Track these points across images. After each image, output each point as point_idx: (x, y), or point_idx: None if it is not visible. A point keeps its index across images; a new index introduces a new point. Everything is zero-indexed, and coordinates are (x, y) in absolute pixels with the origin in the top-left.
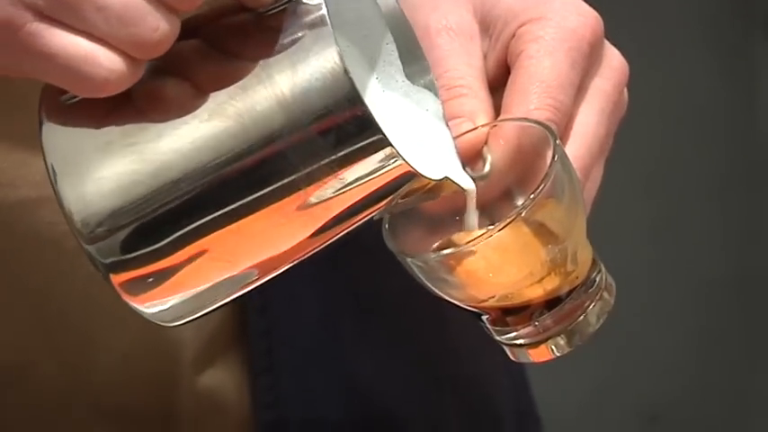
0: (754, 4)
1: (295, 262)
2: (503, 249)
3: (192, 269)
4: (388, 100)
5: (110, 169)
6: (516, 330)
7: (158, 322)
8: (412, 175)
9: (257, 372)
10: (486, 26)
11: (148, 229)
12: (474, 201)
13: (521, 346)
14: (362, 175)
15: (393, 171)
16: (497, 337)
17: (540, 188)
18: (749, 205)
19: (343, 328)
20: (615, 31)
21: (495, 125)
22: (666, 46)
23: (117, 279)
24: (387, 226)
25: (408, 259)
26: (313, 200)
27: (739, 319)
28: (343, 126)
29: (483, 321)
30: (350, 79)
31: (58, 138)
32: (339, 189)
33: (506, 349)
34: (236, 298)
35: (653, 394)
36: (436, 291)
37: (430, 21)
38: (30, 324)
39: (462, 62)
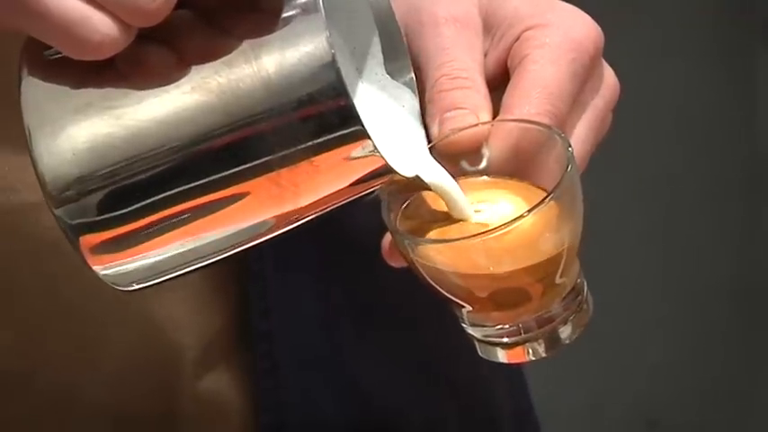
0: (753, 8)
1: (261, 241)
2: (508, 243)
3: (158, 238)
4: (367, 91)
5: (86, 131)
6: (496, 328)
7: (114, 286)
8: (385, 169)
9: (258, 375)
10: (490, 25)
11: (120, 194)
12: (456, 194)
13: (495, 344)
14: (337, 163)
15: (367, 163)
16: (472, 331)
17: (555, 192)
18: (749, 210)
19: (344, 331)
20: (616, 34)
21: (495, 123)
22: (667, 51)
23: (84, 242)
24: (386, 205)
25: (406, 241)
26: (285, 183)
27: (739, 324)
28: (324, 114)
29: (460, 312)
30: (337, 69)
31: (38, 95)
32: (312, 175)
33: (477, 345)
34: (197, 270)
35: (652, 399)
36: (425, 275)
37: (438, 9)
38: (30, 327)
39: (467, 55)
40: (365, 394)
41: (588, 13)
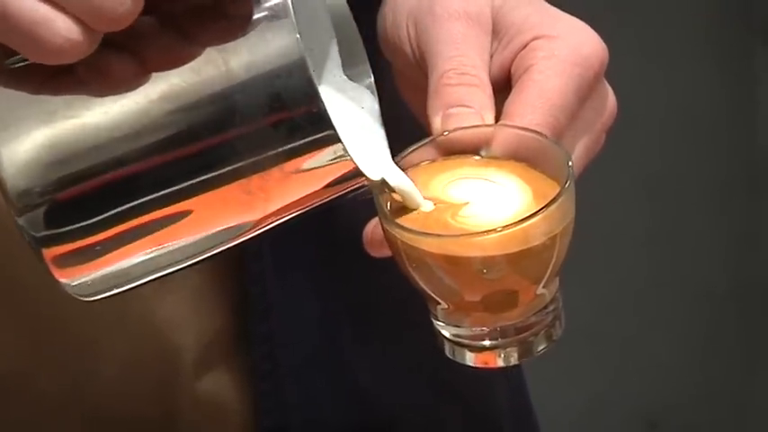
0: (753, 10)
1: (229, 246)
2: (502, 248)
3: (124, 247)
4: (327, 94)
5: (50, 140)
6: (471, 329)
7: (77, 296)
8: (354, 173)
9: (258, 377)
10: (499, 28)
11: (83, 204)
12: (416, 196)
13: (464, 345)
14: (308, 168)
15: (337, 168)
16: (442, 330)
17: (552, 203)
18: (749, 212)
19: (343, 332)
20: (616, 35)
21: (496, 127)
22: (666, 52)
23: (48, 253)
24: (379, 197)
25: (397, 230)
26: (254, 189)
27: (739, 326)
28: (296, 119)
29: (434, 309)
30: (309, 75)
31: (1, 102)
32: (282, 181)
33: (445, 344)
34: (166, 275)
35: (652, 401)
36: (410, 270)
37: (453, 3)
38: (29, 331)
39: (476, 53)
40: (365, 395)
41: (589, 13)
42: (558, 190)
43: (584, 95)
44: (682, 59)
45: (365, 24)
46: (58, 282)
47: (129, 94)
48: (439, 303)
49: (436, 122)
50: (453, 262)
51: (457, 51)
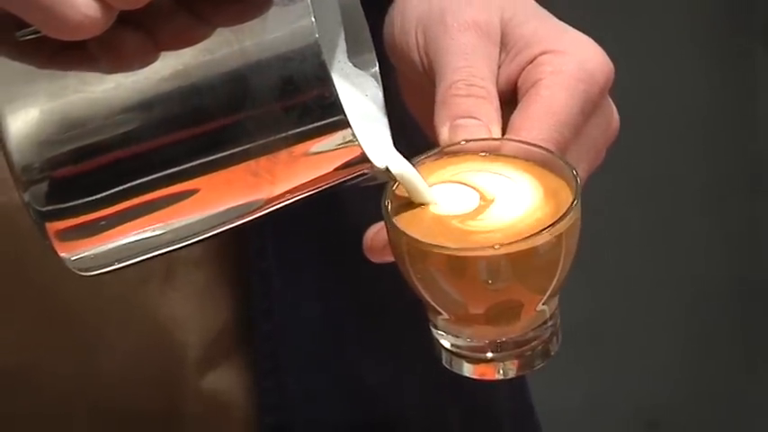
0: (753, 11)
1: (232, 226)
2: (507, 261)
3: (128, 224)
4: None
5: (58, 114)
6: (471, 341)
7: (78, 271)
8: (360, 159)
9: (261, 374)
10: (507, 41)
11: (90, 180)
12: (419, 183)
13: (462, 356)
14: (315, 152)
15: (344, 153)
16: (441, 339)
17: (561, 219)
18: (749, 212)
19: (346, 331)
20: (616, 35)
21: (502, 141)
22: (666, 51)
23: (52, 228)
24: (387, 203)
25: (405, 235)
26: (262, 172)
27: (739, 325)
28: (307, 103)
29: (434, 318)
30: (322, 59)
31: (8, 74)
32: (289, 164)
33: (443, 353)
34: (166, 253)
35: (652, 400)
36: (414, 280)
37: (464, 14)
38: (34, 325)
39: (485, 65)
40: (367, 394)
41: (589, 13)
42: (565, 189)
43: (590, 112)
44: (682, 60)
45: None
46: (59, 256)
47: (140, 71)
48: (440, 314)
49: (443, 133)
50: (459, 274)
51: (466, 62)
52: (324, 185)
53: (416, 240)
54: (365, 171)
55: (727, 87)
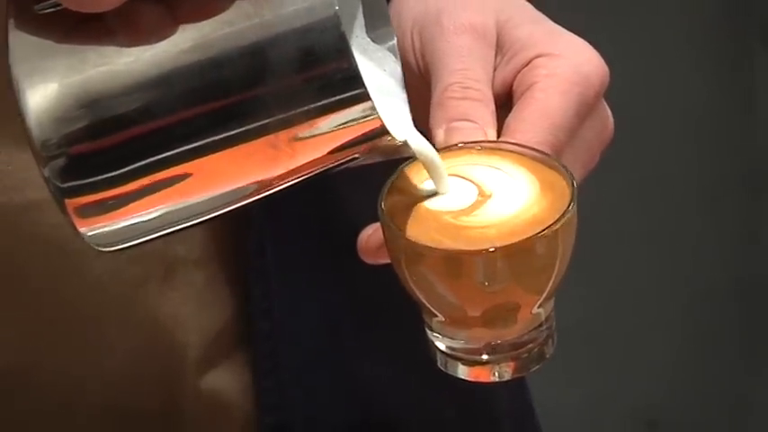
0: (751, 12)
1: (250, 201)
2: (504, 263)
3: (147, 198)
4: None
5: (79, 89)
6: (466, 343)
7: (96, 246)
8: (379, 132)
9: (261, 374)
10: (502, 43)
11: (110, 155)
12: (437, 165)
13: (458, 359)
14: (335, 124)
15: (363, 126)
16: (437, 341)
17: (558, 222)
18: (749, 212)
19: (345, 330)
20: (616, 35)
21: (498, 143)
22: (665, 53)
23: (71, 204)
24: (383, 203)
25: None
26: (282, 145)
27: (738, 325)
28: (327, 75)
29: (430, 320)
30: (342, 31)
31: (27, 49)
32: (309, 136)
33: (438, 355)
34: (183, 229)
35: (651, 400)
36: (410, 282)
37: (460, 16)
38: (34, 326)
39: (481, 67)
40: (367, 394)
41: (587, 14)
42: (561, 184)
43: (584, 115)
44: (681, 60)
45: None
46: (78, 232)
47: (159, 44)
48: (435, 315)
49: (439, 135)
50: (455, 275)
51: (462, 65)
52: (342, 160)
53: (413, 241)
54: (384, 144)
55: (725, 88)
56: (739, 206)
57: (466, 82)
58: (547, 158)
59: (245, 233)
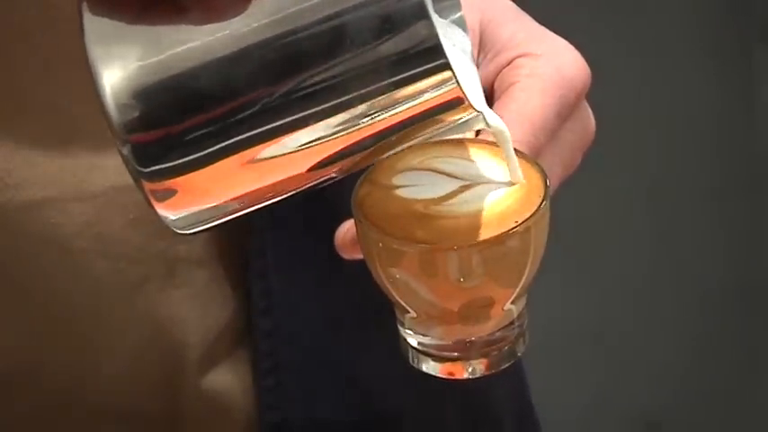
0: (751, 11)
1: (331, 177)
2: (479, 260)
3: (226, 180)
4: None
5: (155, 70)
6: (438, 340)
7: (174, 229)
8: (457, 103)
9: (261, 373)
10: (485, 43)
11: (188, 137)
12: (506, 137)
13: (430, 355)
14: (414, 92)
15: (444, 95)
16: (408, 338)
17: (531, 217)
18: (749, 212)
19: (346, 329)
20: (615, 35)
21: (476, 141)
22: (665, 52)
23: (149, 186)
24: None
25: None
26: (361, 114)
27: (740, 326)
28: (409, 44)
29: (402, 317)
30: (425, 4)
31: (101, 32)
32: (390, 111)
33: (410, 352)
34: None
35: (653, 401)
36: (377, 268)
37: None
38: (35, 326)
39: None
40: (367, 393)
41: (587, 13)
42: (535, 176)
43: (565, 116)
44: (680, 59)
45: None
46: (156, 213)
47: (234, 19)
48: (408, 311)
49: None
50: (430, 271)
51: None
52: (418, 135)
53: (385, 236)
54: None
55: (725, 87)
56: (740, 207)
57: None
58: (521, 155)
59: (245, 233)
